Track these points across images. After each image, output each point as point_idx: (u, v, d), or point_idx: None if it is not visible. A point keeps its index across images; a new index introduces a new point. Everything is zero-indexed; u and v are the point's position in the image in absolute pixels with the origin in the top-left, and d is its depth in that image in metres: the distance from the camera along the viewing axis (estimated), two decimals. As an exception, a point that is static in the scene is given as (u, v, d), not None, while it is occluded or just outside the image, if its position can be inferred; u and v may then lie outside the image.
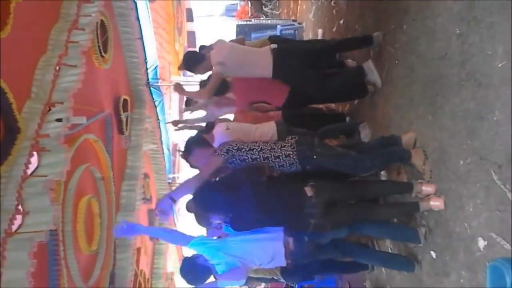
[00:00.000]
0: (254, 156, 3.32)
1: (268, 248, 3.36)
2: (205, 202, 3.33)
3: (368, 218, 3.46)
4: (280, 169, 3.40)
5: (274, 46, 4.12)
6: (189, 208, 4.03)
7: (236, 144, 3.37)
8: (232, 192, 3.26)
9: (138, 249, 6.08)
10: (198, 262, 3.39)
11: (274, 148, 3.34)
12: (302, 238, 3.39)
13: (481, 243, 2.63)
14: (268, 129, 3.92)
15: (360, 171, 3.46)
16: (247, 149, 3.34)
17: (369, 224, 3.55)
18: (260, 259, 3.38)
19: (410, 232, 3.34)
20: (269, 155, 3.32)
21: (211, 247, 3.34)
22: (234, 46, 4.14)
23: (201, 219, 3.92)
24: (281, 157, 3.31)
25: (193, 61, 4.23)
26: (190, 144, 3.58)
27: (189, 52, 4.67)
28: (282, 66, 4.04)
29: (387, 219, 3.64)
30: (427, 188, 3.18)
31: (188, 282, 3.50)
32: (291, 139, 3.39)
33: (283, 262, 3.42)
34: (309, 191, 3.17)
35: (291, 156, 3.30)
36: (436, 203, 3.09)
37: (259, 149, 3.33)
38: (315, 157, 3.31)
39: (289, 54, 4.10)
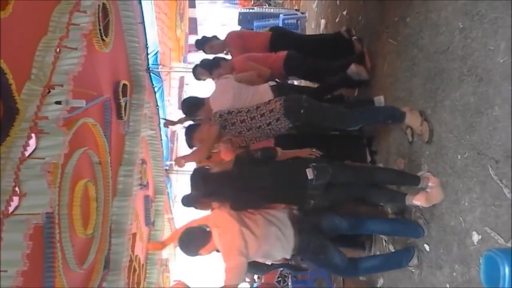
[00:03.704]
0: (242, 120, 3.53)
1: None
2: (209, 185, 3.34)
3: (364, 198, 3.50)
4: (269, 128, 3.49)
5: (272, 83, 4.26)
6: (185, 202, 4.06)
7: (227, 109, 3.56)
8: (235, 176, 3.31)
9: (134, 235, 6.09)
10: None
11: (260, 106, 3.46)
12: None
13: (475, 237, 2.65)
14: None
15: (349, 124, 3.51)
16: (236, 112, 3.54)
17: (371, 220, 3.56)
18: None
19: (412, 226, 3.34)
20: (256, 114, 3.46)
21: None
22: (235, 100, 4.04)
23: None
24: (266, 114, 3.41)
25: (192, 107, 4.38)
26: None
27: (188, 98, 4.74)
28: None
29: (379, 203, 3.72)
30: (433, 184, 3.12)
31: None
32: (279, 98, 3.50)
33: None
34: (310, 173, 3.17)
35: (274, 110, 3.39)
36: (417, 203, 3.17)
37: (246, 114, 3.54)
38: (302, 111, 3.35)
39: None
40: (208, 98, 4.26)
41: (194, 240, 3.33)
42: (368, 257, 3.78)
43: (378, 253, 3.98)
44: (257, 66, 4.55)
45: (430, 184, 3.12)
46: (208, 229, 3.33)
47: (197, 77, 5.04)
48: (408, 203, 3.26)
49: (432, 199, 3.09)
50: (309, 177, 3.16)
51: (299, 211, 3.38)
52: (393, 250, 3.72)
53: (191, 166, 4.38)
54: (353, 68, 4.36)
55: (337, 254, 3.34)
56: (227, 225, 3.20)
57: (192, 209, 4.02)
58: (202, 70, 4.92)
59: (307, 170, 3.18)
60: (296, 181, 3.24)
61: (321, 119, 3.46)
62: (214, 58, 4.95)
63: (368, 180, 3.43)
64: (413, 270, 3.33)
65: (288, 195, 3.32)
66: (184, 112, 4.62)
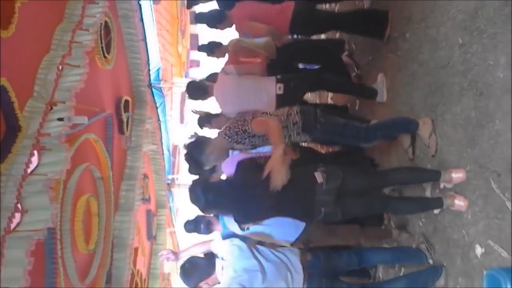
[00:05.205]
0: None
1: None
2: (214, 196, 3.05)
3: (383, 210, 3.36)
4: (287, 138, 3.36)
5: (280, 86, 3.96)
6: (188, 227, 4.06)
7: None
8: (241, 185, 3.06)
9: (136, 249, 6.07)
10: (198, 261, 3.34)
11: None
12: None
13: (479, 250, 2.64)
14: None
15: (364, 141, 3.44)
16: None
17: (373, 252, 3.54)
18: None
19: (414, 253, 3.28)
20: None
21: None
22: (233, 91, 3.90)
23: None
24: (289, 127, 3.31)
25: (197, 92, 4.28)
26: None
27: (192, 82, 4.48)
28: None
29: (405, 213, 3.52)
30: (458, 174, 2.86)
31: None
32: (294, 108, 3.37)
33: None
34: (319, 177, 2.90)
35: (299, 124, 3.29)
36: (461, 204, 2.84)
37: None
38: (318, 126, 3.30)
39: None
40: (211, 85, 4.10)
41: (196, 271, 3.27)
42: (390, 282, 3.49)
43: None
44: (258, 26, 4.29)
45: (453, 175, 2.87)
46: (213, 260, 3.30)
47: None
48: (447, 206, 2.96)
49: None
50: (318, 181, 2.89)
51: (312, 256, 3.28)
52: (402, 271, 3.67)
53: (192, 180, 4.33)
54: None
55: None
56: (233, 260, 3.16)
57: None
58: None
59: (315, 173, 2.91)
60: (304, 187, 2.95)
61: (337, 136, 3.43)
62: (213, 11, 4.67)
63: (381, 183, 3.24)
64: None
65: (295, 204, 3.00)
66: (190, 97, 4.49)
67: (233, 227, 3.51)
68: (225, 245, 3.30)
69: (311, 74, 4.47)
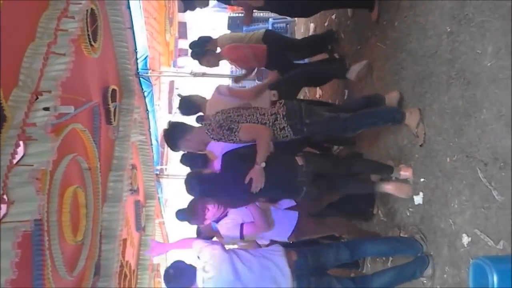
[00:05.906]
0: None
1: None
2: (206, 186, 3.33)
3: (347, 175, 3.65)
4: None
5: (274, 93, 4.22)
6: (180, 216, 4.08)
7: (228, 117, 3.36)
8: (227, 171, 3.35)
9: (124, 240, 6.05)
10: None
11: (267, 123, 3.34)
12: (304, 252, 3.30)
13: (465, 239, 2.67)
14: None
15: (351, 131, 3.58)
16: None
17: (368, 243, 3.51)
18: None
19: (410, 242, 3.27)
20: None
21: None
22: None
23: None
24: (276, 132, 3.34)
25: (190, 108, 4.65)
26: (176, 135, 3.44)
27: (184, 99, 4.81)
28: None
29: (365, 176, 3.86)
30: (405, 173, 3.41)
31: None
32: (280, 111, 3.36)
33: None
34: (300, 160, 3.32)
35: (286, 129, 3.33)
36: (406, 173, 3.39)
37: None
38: (305, 129, 3.37)
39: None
40: (204, 103, 4.43)
41: (180, 278, 3.27)
42: (379, 274, 3.45)
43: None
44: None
45: (401, 173, 3.40)
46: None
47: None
48: (394, 174, 3.49)
49: (402, 191, 3.39)
50: (299, 164, 3.29)
51: (299, 256, 3.23)
52: (389, 264, 3.68)
53: (181, 170, 4.38)
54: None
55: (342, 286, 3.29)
56: (214, 272, 3.15)
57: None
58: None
59: (297, 158, 3.33)
60: (286, 169, 3.33)
61: (324, 132, 3.64)
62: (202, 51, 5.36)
63: (348, 170, 3.64)
64: (424, 281, 3.16)
65: (279, 185, 3.33)
66: (182, 113, 4.83)
67: (228, 231, 3.60)
68: (206, 252, 3.27)
69: (299, 73, 4.65)
